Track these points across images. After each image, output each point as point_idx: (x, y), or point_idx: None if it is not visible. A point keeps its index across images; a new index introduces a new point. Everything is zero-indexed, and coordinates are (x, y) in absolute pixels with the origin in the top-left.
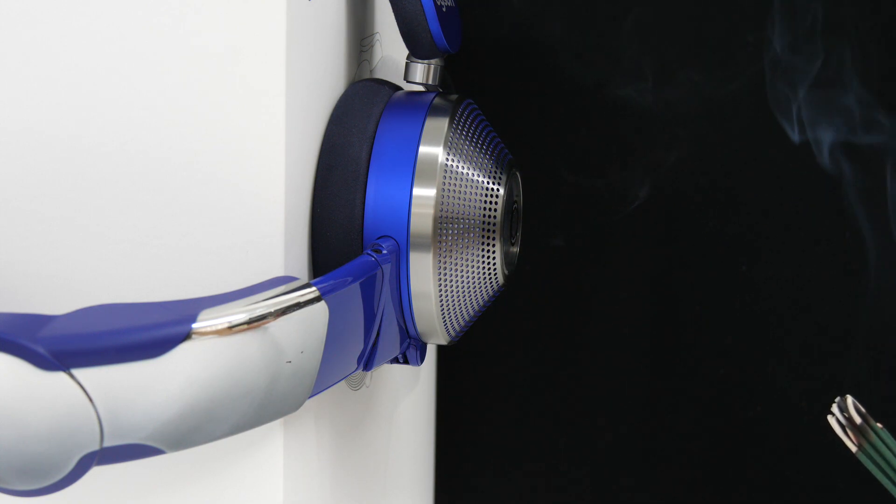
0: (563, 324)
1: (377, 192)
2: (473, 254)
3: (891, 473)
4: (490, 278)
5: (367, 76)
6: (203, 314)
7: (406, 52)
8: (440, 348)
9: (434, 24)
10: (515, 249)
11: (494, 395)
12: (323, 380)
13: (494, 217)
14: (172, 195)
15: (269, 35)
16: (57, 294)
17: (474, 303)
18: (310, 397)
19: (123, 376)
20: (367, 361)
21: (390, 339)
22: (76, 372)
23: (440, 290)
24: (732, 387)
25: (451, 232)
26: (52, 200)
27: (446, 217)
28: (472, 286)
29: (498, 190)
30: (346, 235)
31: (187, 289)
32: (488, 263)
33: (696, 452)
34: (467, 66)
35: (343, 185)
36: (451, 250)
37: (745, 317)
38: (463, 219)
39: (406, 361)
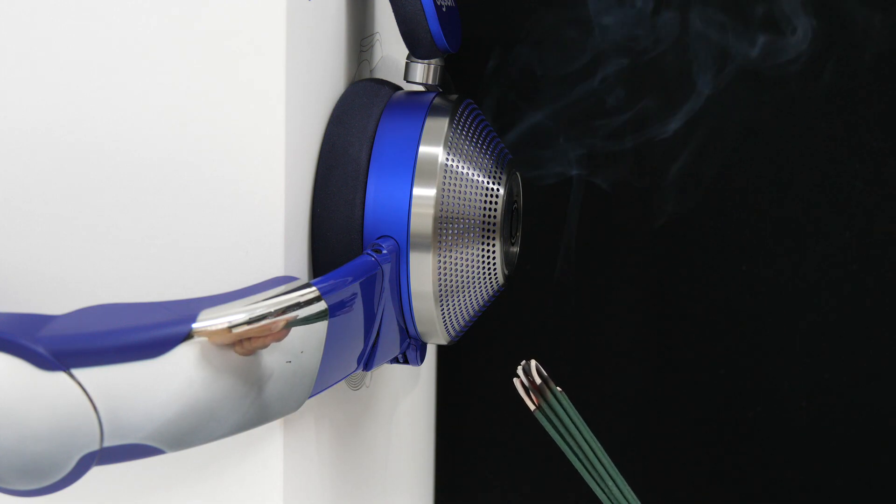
0: (562, 324)
1: (377, 192)
2: (473, 254)
3: (564, 433)
4: (490, 278)
5: (367, 76)
6: (203, 314)
7: (406, 52)
8: (440, 348)
9: (434, 24)
10: (515, 249)
11: (494, 395)
12: (323, 380)
13: (494, 217)
14: (172, 195)
15: (269, 35)
16: (57, 294)
17: (474, 303)
18: (310, 397)
19: (123, 376)
20: (367, 361)
21: (390, 339)
22: (76, 372)
23: (440, 290)
24: (732, 387)
25: (451, 232)
26: (52, 200)
27: (446, 217)
28: (472, 286)
29: (498, 190)
30: (346, 235)
31: (187, 289)
32: (488, 263)
33: (695, 452)
34: (467, 66)
35: (343, 185)
36: (451, 250)
37: (745, 317)
38: (463, 219)
39: (406, 361)
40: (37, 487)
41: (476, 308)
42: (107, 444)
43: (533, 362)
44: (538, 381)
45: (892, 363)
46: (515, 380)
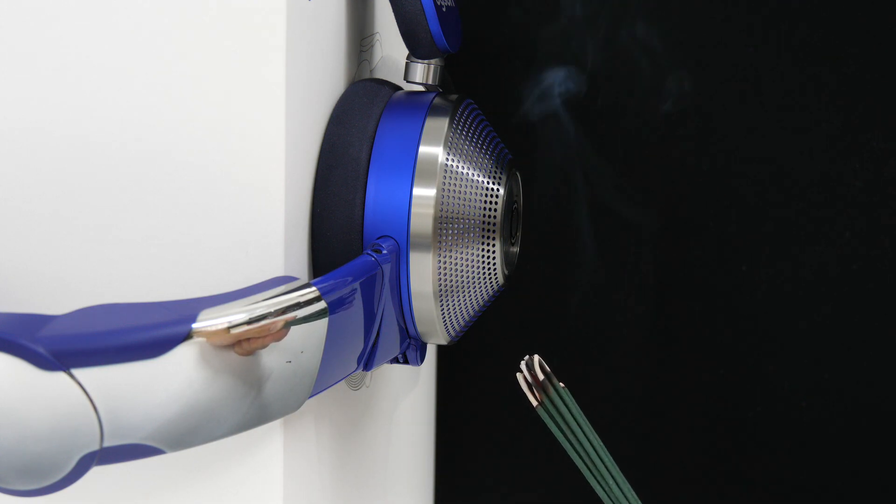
0: (562, 324)
1: (377, 192)
2: (473, 254)
3: (565, 430)
4: (490, 278)
5: (367, 76)
6: (203, 314)
7: (406, 52)
8: (440, 348)
9: (434, 24)
10: (515, 249)
11: (494, 395)
12: (323, 380)
13: (494, 217)
14: (173, 195)
15: (269, 35)
16: (57, 294)
17: (474, 303)
18: (310, 397)
19: (123, 376)
20: (367, 361)
21: (390, 339)
22: (76, 372)
23: (440, 290)
24: (732, 387)
25: (451, 232)
26: (52, 200)
27: (446, 217)
28: (472, 286)
29: (498, 190)
30: (346, 235)
31: (187, 289)
32: (488, 263)
33: (696, 452)
34: (467, 66)
35: (343, 184)
36: (451, 250)
37: (745, 317)
38: (463, 219)
39: (406, 361)
40: (37, 487)
41: (476, 308)
42: (107, 444)
43: (536, 357)
44: (541, 376)
45: (892, 363)
46: (518, 375)
